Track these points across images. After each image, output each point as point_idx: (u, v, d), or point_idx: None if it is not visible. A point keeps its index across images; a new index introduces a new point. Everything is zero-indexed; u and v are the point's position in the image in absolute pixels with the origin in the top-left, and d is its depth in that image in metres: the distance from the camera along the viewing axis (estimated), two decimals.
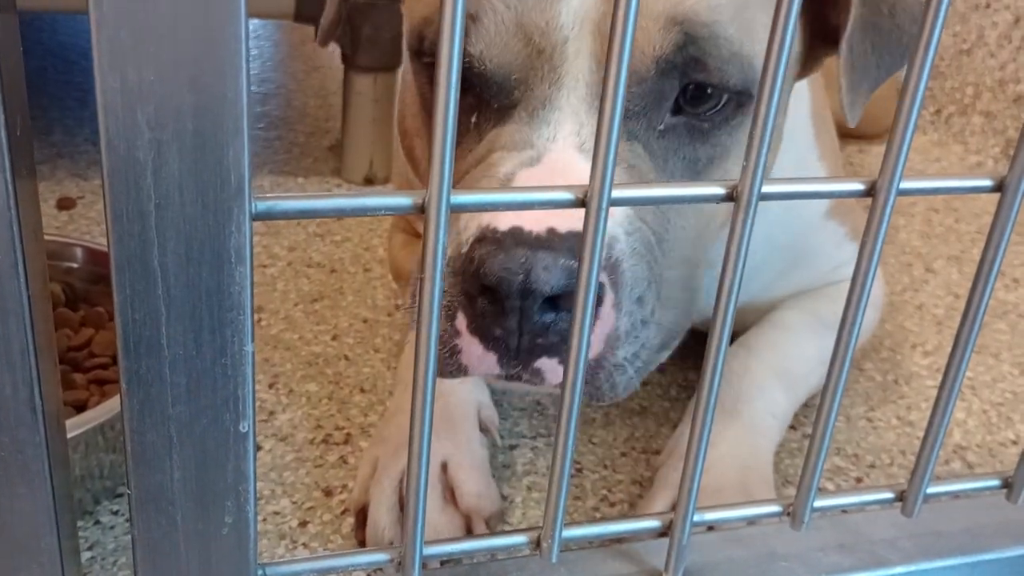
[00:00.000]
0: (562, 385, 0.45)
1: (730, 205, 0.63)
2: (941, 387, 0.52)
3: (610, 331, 0.53)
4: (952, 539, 0.59)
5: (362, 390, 0.87)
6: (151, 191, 0.34)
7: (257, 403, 0.85)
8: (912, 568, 0.57)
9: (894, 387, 0.94)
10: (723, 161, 0.61)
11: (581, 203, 0.42)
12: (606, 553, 0.55)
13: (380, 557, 0.47)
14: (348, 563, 0.47)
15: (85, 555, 0.66)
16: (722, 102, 0.58)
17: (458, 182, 0.60)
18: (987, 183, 0.48)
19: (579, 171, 0.53)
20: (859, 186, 0.46)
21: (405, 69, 0.66)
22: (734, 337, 0.84)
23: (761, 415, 0.78)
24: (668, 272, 0.59)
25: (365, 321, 0.99)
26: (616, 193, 0.42)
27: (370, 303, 1.03)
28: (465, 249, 0.53)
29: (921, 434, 0.54)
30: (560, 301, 0.51)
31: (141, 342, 0.37)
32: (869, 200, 0.45)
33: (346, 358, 0.92)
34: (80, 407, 0.72)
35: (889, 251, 1.25)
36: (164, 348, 0.37)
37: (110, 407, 0.68)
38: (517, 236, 0.51)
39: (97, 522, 0.69)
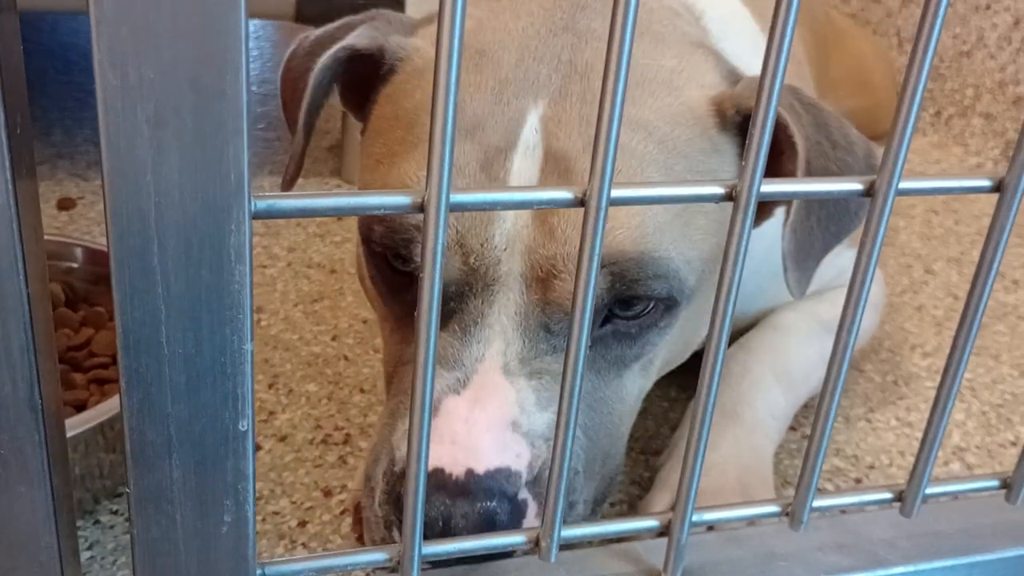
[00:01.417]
0: (562, 385, 0.45)
1: (664, 367, 0.67)
2: (940, 388, 0.52)
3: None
4: (951, 540, 0.59)
5: (361, 390, 0.87)
6: (151, 189, 0.34)
7: (257, 403, 0.86)
8: (911, 568, 0.57)
9: (893, 388, 0.94)
10: (650, 355, 0.63)
11: (580, 202, 0.42)
12: (605, 553, 0.55)
13: (379, 557, 0.47)
14: (347, 562, 0.47)
15: (85, 554, 0.66)
16: (649, 307, 0.60)
17: (397, 366, 0.63)
18: (986, 183, 0.48)
19: (501, 398, 0.56)
20: (858, 186, 0.46)
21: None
22: (732, 341, 0.84)
23: (761, 416, 0.78)
24: (593, 452, 0.61)
25: (365, 322, 0.99)
26: (615, 192, 0.42)
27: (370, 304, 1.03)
28: (398, 469, 0.57)
29: (920, 435, 0.54)
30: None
31: (140, 341, 0.37)
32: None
33: (346, 358, 0.92)
34: (80, 407, 0.72)
35: (889, 252, 1.25)
36: (163, 347, 0.37)
37: (110, 407, 0.68)
38: (437, 480, 0.54)
39: (97, 521, 0.70)
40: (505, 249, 0.57)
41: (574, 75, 0.60)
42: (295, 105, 0.67)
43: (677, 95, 0.62)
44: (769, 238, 0.71)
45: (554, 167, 0.57)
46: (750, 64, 0.69)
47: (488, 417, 0.56)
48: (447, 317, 0.59)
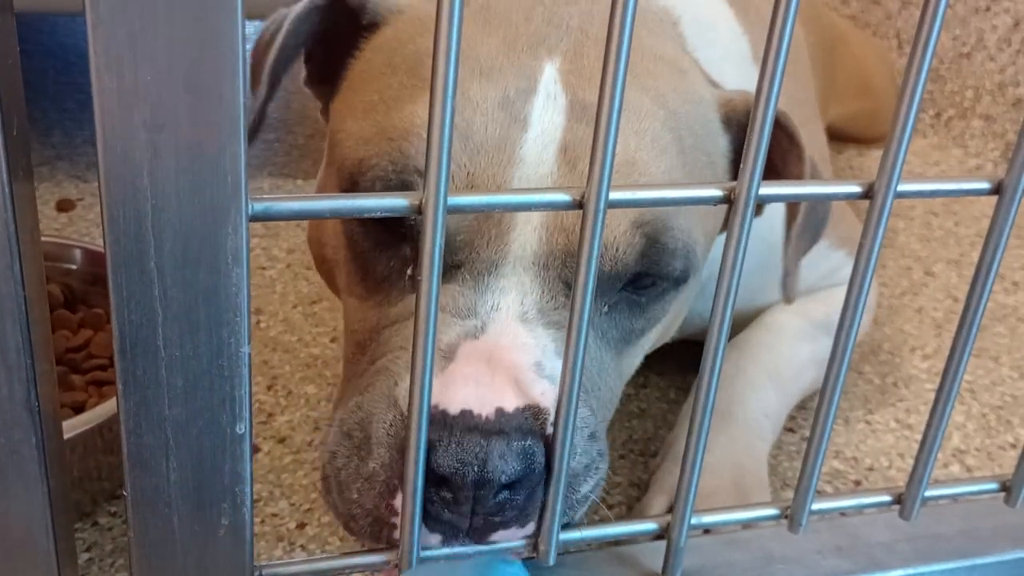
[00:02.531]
0: (560, 387, 0.45)
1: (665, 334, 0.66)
2: (940, 390, 0.52)
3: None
4: (950, 542, 0.59)
5: None
6: (148, 192, 0.34)
7: (256, 405, 0.86)
8: (910, 571, 0.57)
9: (893, 390, 0.94)
10: (652, 329, 0.62)
11: (579, 205, 0.42)
12: (603, 556, 0.55)
13: (377, 559, 0.47)
14: (345, 564, 0.47)
15: (83, 556, 0.66)
16: (663, 283, 0.60)
17: (375, 333, 0.58)
18: (985, 185, 0.48)
19: (521, 344, 0.53)
20: (856, 188, 0.46)
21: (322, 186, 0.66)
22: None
23: (754, 415, 0.78)
24: (596, 420, 0.59)
25: None
26: (614, 195, 0.42)
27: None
28: (402, 430, 0.51)
29: (920, 437, 0.54)
30: (516, 483, 0.50)
31: (138, 343, 0.37)
32: (862, 206, 0.45)
33: None
34: (78, 408, 0.72)
35: (888, 254, 1.25)
36: (161, 349, 0.37)
37: (108, 408, 0.68)
38: (468, 421, 0.49)
39: (95, 523, 0.69)
40: None
41: (586, 40, 0.60)
42: (263, 58, 0.65)
43: (685, 76, 0.62)
44: (769, 237, 0.71)
45: (581, 114, 0.56)
46: (723, 73, 0.70)
47: (511, 358, 0.52)
48: (454, 268, 0.55)
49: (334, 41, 0.66)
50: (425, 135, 0.54)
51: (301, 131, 1.54)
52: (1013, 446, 0.87)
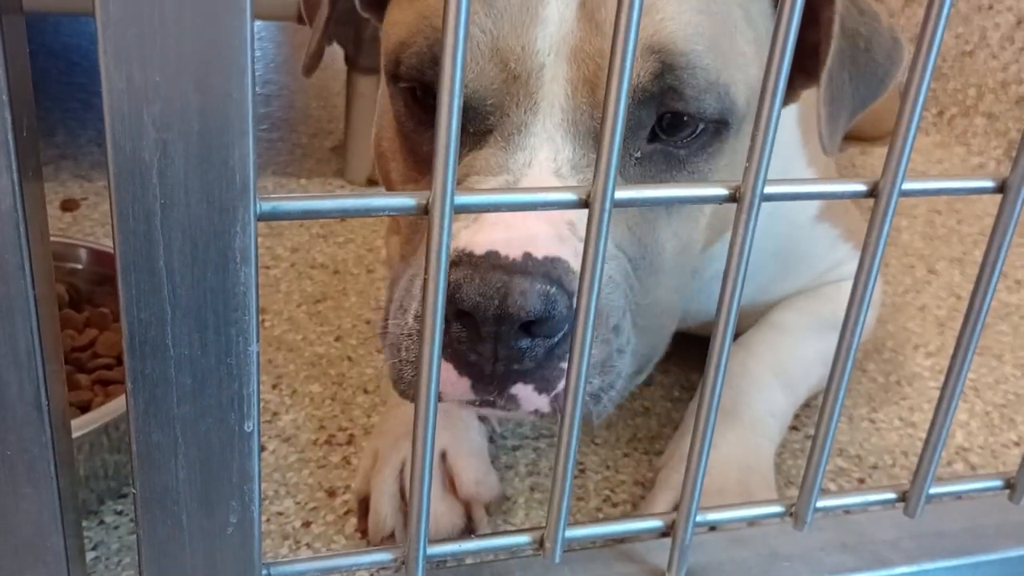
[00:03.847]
0: (565, 386, 0.45)
1: (718, 223, 0.64)
2: (943, 388, 0.52)
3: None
4: (954, 540, 0.59)
5: (365, 391, 0.87)
6: (157, 191, 0.34)
7: (260, 404, 0.86)
8: (914, 568, 0.57)
9: (896, 388, 0.94)
10: None
11: (584, 204, 0.42)
12: (609, 553, 0.56)
13: (384, 557, 0.47)
14: (352, 562, 0.47)
15: (89, 555, 0.67)
16: (698, 130, 0.58)
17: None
18: (989, 184, 0.48)
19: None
20: (861, 187, 0.46)
21: (382, 92, 0.67)
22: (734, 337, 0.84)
23: (761, 415, 0.78)
24: (644, 299, 0.59)
25: (368, 322, 0.99)
26: (619, 194, 0.42)
27: (373, 304, 1.03)
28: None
29: (923, 435, 0.54)
30: (535, 328, 0.50)
31: (146, 342, 0.37)
32: (866, 201, 0.46)
33: (349, 359, 0.92)
34: (84, 408, 0.72)
35: (891, 253, 1.25)
36: (169, 348, 0.37)
37: (114, 408, 0.68)
38: (493, 260, 0.50)
39: (101, 522, 0.70)
40: (550, 53, 0.55)
41: None
42: None
43: None
44: (761, 219, 0.71)
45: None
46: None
47: (545, 213, 0.52)
48: (485, 133, 0.56)
49: None
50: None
51: (304, 130, 1.54)
52: (1017, 444, 0.87)
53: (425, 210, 0.39)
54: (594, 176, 0.41)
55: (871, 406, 0.91)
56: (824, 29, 0.61)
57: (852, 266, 0.85)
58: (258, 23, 2.00)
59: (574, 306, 0.50)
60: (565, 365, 0.51)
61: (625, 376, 0.57)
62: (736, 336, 0.86)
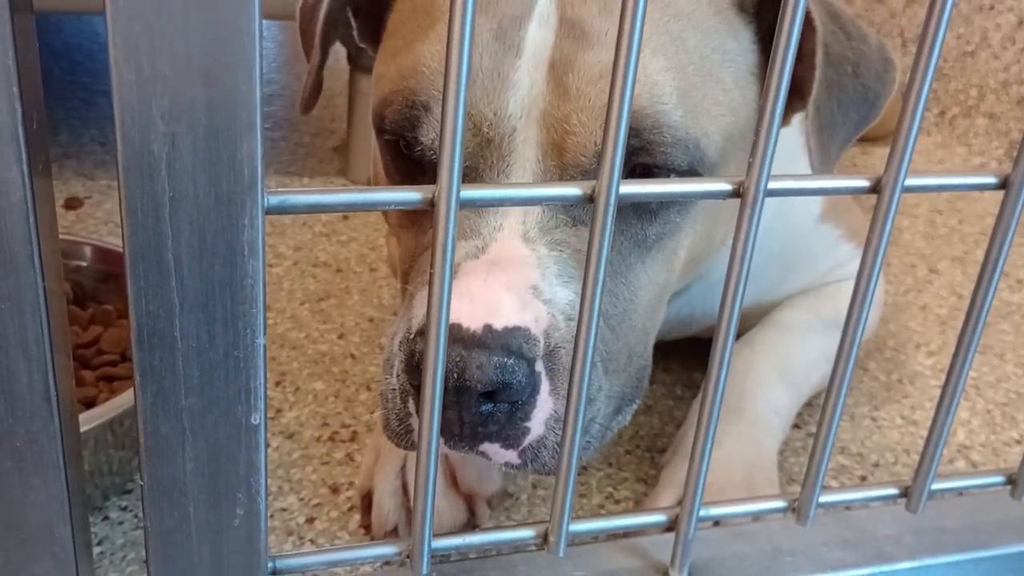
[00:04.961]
0: (569, 383, 0.46)
1: (692, 266, 0.66)
2: (945, 386, 0.52)
3: (548, 416, 0.55)
4: (956, 535, 0.59)
5: (368, 388, 0.88)
6: (165, 184, 0.35)
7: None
8: (916, 564, 0.57)
9: (898, 387, 0.95)
10: (672, 237, 0.62)
11: (590, 199, 0.42)
12: (613, 548, 0.56)
13: (389, 551, 0.48)
14: (357, 556, 0.47)
15: (95, 550, 0.67)
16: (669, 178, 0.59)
17: (414, 259, 0.62)
18: (991, 180, 0.48)
19: (521, 260, 0.55)
20: (864, 183, 0.46)
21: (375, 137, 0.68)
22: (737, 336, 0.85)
23: (764, 413, 0.78)
24: (615, 344, 0.60)
25: (371, 320, 0.99)
26: (624, 189, 0.42)
27: (376, 302, 1.03)
28: (411, 336, 0.55)
29: (925, 433, 0.54)
30: (496, 395, 0.53)
31: (155, 334, 0.37)
32: (868, 201, 0.46)
33: (352, 356, 0.92)
34: (89, 404, 0.72)
35: (893, 252, 1.25)
36: (177, 340, 0.37)
37: (119, 403, 0.68)
38: (455, 334, 0.52)
39: (106, 518, 0.70)
40: (521, 117, 0.56)
41: None
42: (313, 24, 0.68)
43: None
44: (763, 220, 0.71)
45: (568, 30, 0.57)
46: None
47: (508, 278, 0.54)
48: None
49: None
50: (429, 72, 0.57)
51: (307, 130, 1.54)
52: (1018, 442, 0.87)
53: (431, 204, 0.39)
54: (598, 174, 0.41)
55: (873, 404, 0.91)
56: (808, 59, 0.62)
57: (855, 265, 0.85)
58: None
59: (537, 370, 0.53)
60: (529, 424, 0.54)
61: (602, 418, 0.59)
62: (740, 335, 0.86)
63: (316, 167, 1.39)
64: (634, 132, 0.56)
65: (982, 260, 0.49)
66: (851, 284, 0.48)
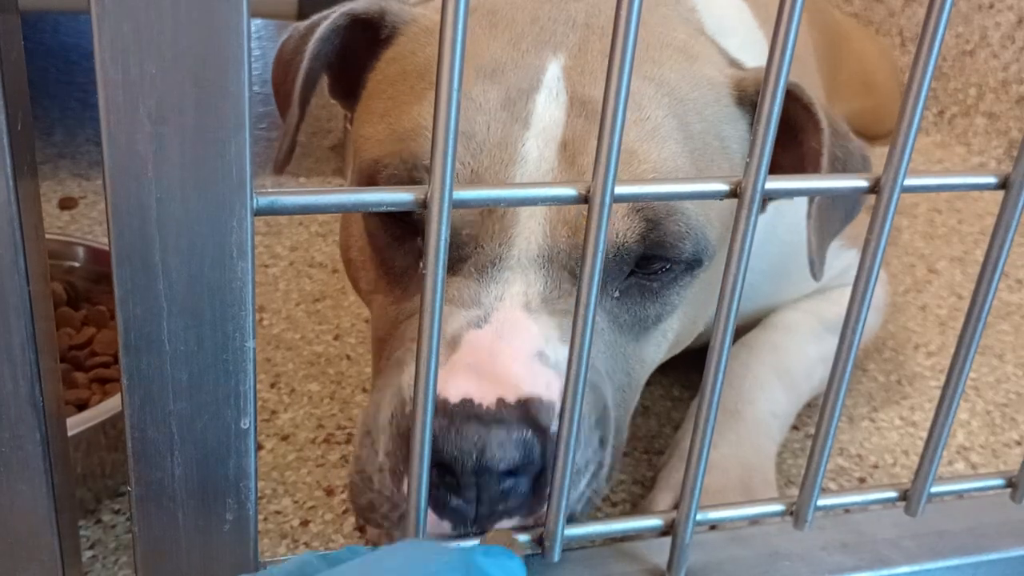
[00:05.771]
0: (565, 386, 0.45)
1: (678, 345, 0.66)
2: (945, 387, 0.52)
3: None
4: (956, 539, 0.59)
5: (364, 390, 0.87)
6: (152, 185, 0.34)
7: (259, 402, 0.85)
8: (915, 568, 0.57)
9: (897, 388, 0.94)
10: (669, 316, 0.62)
11: (584, 199, 0.42)
12: (609, 552, 0.55)
13: None
14: None
15: (87, 554, 0.66)
16: (672, 266, 0.59)
17: (395, 327, 0.59)
18: (991, 180, 0.48)
19: (524, 331, 0.53)
20: (863, 183, 0.45)
21: None
22: (735, 339, 0.84)
23: (763, 415, 0.78)
24: (618, 400, 0.60)
25: (367, 321, 0.99)
26: (619, 189, 0.41)
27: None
28: (409, 410, 0.51)
29: (924, 435, 0.54)
30: (519, 469, 0.51)
31: (142, 338, 0.36)
32: (868, 201, 0.45)
33: (348, 358, 0.92)
34: (82, 406, 0.72)
35: (892, 252, 1.24)
36: (165, 344, 0.37)
37: (111, 405, 0.68)
38: (468, 410, 0.50)
39: (99, 521, 0.69)
40: None
41: (592, 35, 0.60)
42: (289, 82, 0.65)
43: (694, 61, 0.62)
44: (765, 233, 0.71)
45: (580, 110, 0.56)
46: (742, 62, 0.70)
47: (513, 348, 0.53)
48: (460, 261, 0.56)
49: (354, 55, 0.67)
50: (431, 134, 0.56)
51: (303, 129, 1.54)
52: (1018, 443, 0.87)
53: (423, 204, 0.39)
54: (593, 174, 0.41)
55: (872, 405, 0.91)
56: (809, 158, 0.62)
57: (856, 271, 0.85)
58: (257, 21, 2.00)
59: (553, 439, 0.51)
60: (547, 492, 0.51)
61: (608, 472, 0.58)
62: (739, 336, 0.86)
63: (312, 166, 1.39)
64: (651, 225, 0.56)
65: (982, 260, 0.49)
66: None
